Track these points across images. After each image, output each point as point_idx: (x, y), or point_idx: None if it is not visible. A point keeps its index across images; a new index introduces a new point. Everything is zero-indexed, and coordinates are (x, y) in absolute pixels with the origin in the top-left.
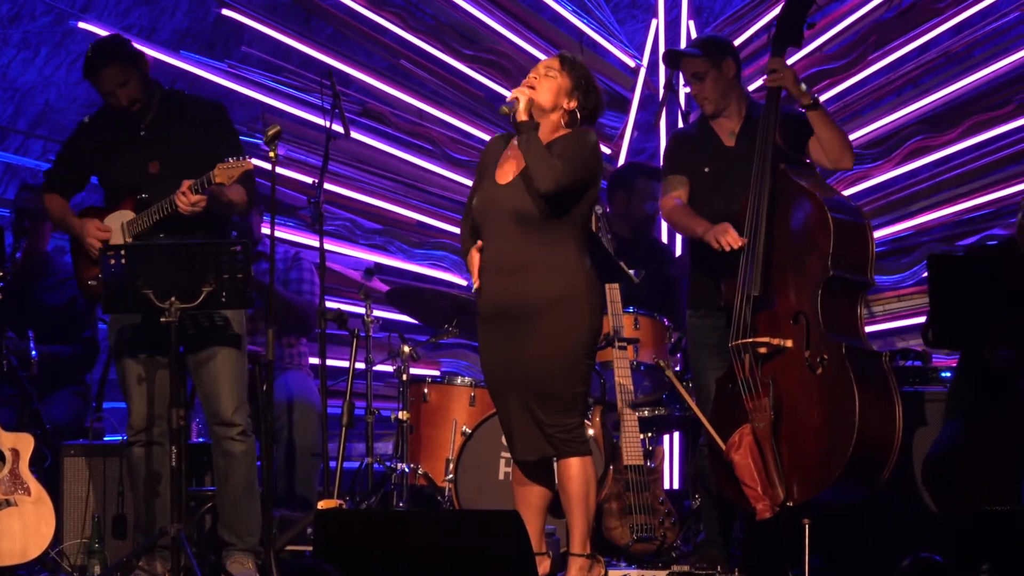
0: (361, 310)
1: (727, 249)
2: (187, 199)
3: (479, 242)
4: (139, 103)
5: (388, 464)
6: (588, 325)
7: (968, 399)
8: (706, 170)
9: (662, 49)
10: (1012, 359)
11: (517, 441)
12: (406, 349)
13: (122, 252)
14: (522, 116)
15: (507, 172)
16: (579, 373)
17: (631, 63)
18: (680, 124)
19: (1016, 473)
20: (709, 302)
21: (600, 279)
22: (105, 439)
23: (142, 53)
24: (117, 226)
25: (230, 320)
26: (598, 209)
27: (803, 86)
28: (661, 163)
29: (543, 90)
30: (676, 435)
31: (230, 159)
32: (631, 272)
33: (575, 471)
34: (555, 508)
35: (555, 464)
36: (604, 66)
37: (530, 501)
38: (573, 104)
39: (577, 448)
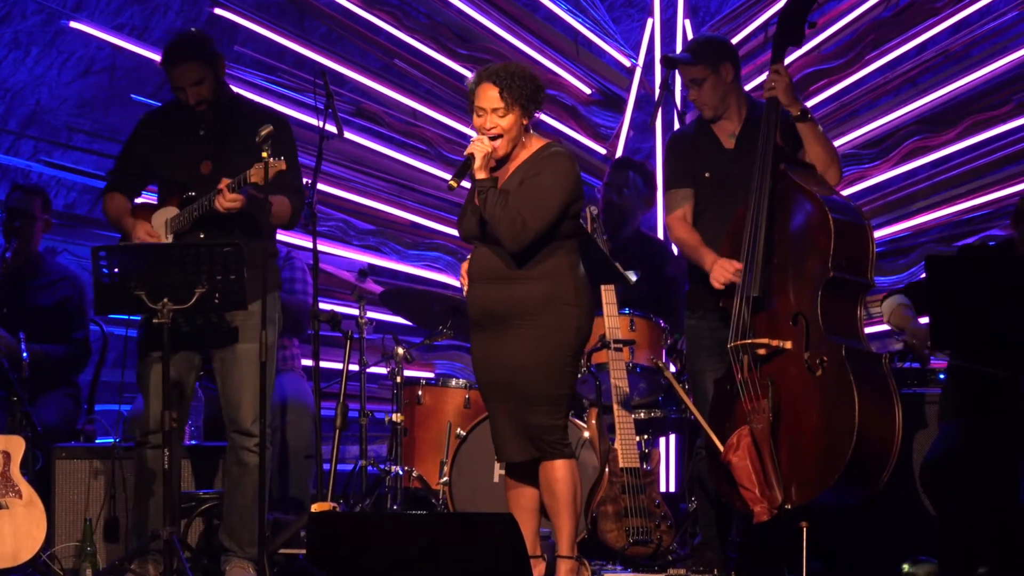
0: (355, 312)
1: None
2: (223, 197)
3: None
4: (205, 104)
5: (382, 467)
6: (574, 328)
7: (959, 400)
8: (707, 175)
9: (658, 48)
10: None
11: (504, 442)
12: (400, 351)
13: (115, 253)
14: (481, 174)
15: None
16: (564, 375)
17: (627, 62)
18: (676, 124)
19: (1013, 475)
20: (707, 303)
21: (596, 281)
22: (97, 441)
23: (222, 56)
24: (161, 222)
25: (264, 325)
26: (593, 210)
27: (802, 106)
28: (658, 165)
29: (504, 137)
30: (672, 437)
31: (270, 159)
32: (628, 273)
33: (561, 473)
34: None
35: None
36: (600, 65)
37: (523, 503)
38: (527, 120)
39: (562, 450)
